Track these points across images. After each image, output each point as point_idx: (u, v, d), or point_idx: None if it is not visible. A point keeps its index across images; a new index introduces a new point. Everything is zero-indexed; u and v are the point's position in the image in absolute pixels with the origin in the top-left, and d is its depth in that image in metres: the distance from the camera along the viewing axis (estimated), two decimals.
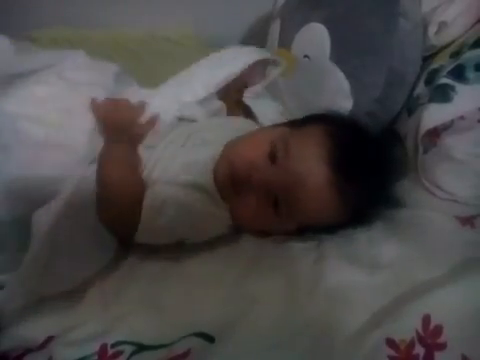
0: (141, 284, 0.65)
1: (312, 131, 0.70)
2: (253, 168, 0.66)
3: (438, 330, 0.53)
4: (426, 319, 0.54)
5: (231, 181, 0.68)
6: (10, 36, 0.88)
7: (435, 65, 0.75)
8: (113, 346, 0.56)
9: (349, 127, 0.72)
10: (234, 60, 0.84)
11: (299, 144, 0.68)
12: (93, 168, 0.69)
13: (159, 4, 1.10)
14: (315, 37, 0.81)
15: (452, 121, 0.67)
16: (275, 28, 0.92)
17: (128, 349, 0.56)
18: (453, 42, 0.75)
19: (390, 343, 0.53)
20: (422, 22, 0.78)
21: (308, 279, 0.63)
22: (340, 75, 0.78)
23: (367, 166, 0.67)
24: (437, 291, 0.57)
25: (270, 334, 0.57)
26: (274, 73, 0.87)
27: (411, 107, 0.76)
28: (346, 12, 0.79)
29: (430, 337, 0.53)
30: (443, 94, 0.67)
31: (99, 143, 0.72)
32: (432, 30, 0.76)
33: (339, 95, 0.79)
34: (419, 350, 0.52)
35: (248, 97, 0.88)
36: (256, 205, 0.67)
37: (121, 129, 0.73)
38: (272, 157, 0.68)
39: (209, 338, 0.56)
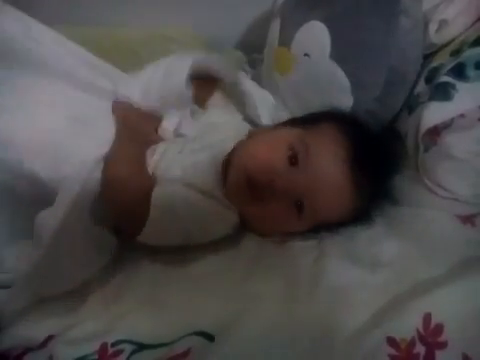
0: (141, 283, 0.65)
1: (326, 130, 0.71)
2: (274, 173, 0.65)
3: (439, 329, 0.53)
4: (427, 318, 0.54)
5: (248, 187, 0.66)
6: None
7: (435, 63, 0.74)
8: (113, 345, 0.56)
9: (357, 124, 0.73)
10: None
11: (317, 144, 0.68)
12: (96, 169, 0.68)
13: (159, 3, 1.10)
14: (315, 35, 0.80)
15: (452, 119, 0.67)
16: (275, 27, 0.92)
17: (128, 348, 0.56)
18: (453, 40, 0.75)
19: (391, 342, 0.53)
20: (423, 20, 0.77)
21: (308, 278, 0.63)
22: (340, 73, 0.78)
23: (378, 162, 0.68)
24: (438, 290, 0.57)
25: (270, 333, 0.57)
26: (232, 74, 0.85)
27: (411, 105, 0.76)
28: (346, 10, 0.78)
29: (431, 336, 0.53)
30: (443, 92, 0.67)
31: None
32: (433, 28, 0.76)
33: (339, 93, 0.78)
34: (420, 349, 0.52)
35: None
36: (279, 211, 0.67)
37: (137, 131, 0.74)
38: (292, 160, 0.67)
39: (209, 337, 0.56)
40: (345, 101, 0.78)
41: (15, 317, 0.60)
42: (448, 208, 0.69)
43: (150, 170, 0.71)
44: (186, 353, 0.54)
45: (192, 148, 0.74)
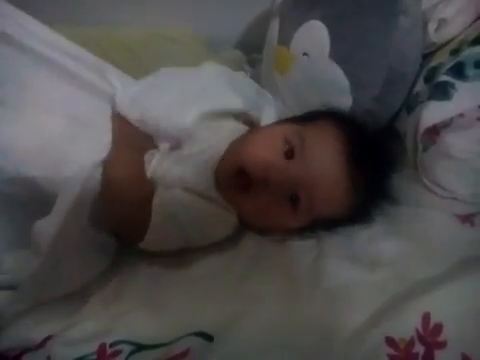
0: (140, 284, 0.65)
1: (324, 126, 0.70)
2: (271, 167, 0.64)
3: (438, 328, 0.53)
4: (426, 317, 0.54)
5: (238, 180, 0.66)
6: None
7: (435, 63, 0.74)
8: (112, 345, 0.56)
9: (355, 122, 0.73)
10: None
11: (314, 138, 0.67)
12: (95, 173, 0.67)
13: (159, 4, 1.10)
14: (314, 35, 0.80)
15: (452, 119, 0.67)
16: (274, 26, 0.92)
17: (127, 348, 0.56)
18: (453, 39, 0.75)
19: (390, 342, 0.53)
20: (422, 19, 0.77)
21: (308, 278, 0.63)
22: (339, 73, 0.78)
23: (374, 158, 0.68)
24: (437, 289, 0.57)
25: (270, 333, 0.57)
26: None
27: (411, 105, 0.76)
28: (346, 9, 0.78)
29: (430, 336, 0.53)
30: (443, 92, 0.67)
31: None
32: (432, 27, 0.76)
33: (338, 93, 0.78)
34: (419, 349, 0.52)
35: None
36: (274, 205, 0.66)
37: (134, 136, 0.73)
38: (288, 154, 0.66)
39: (208, 337, 0.56)
40: (344, 100, 0.78)
41: (13, 318, 0.59)
42: (447, 208, 0.69)
43: (149, 175, 0.71)
44: (185, 353, 0.54)
45: (190, 152, 0.73)
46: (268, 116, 0.82)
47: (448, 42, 0.76)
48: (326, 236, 0.69)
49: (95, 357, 0.55)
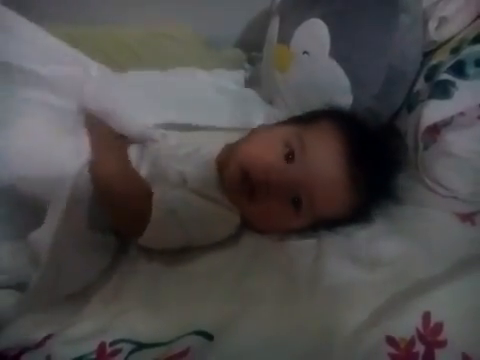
0: (140, 282, 0.65)
1: (324, 127, 0.70)
2: (271, 171, 0.65)
3: (438, 328, 0.53)
4: (426, 317, 0.54)
5: (245, 186, 0.66)
6: None
7: (435, 61, 0.74)
8: (112, 344, 0.56)
9: (356, 122, 0.73)
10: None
11: (314, 140, 0.68)
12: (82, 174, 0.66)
13: (159, 2, 1.09)
14: (315, 33, 0.80)
15: (452, 117, 0.67)
16: (274, 24, 0.92)
17: (127, 347, 0.55)
18: (453, 38, 0.75)
19: (390, 341, 0.53)
20: (422, 17, 0.77)
21: (308, 277, 0.63)
22: (340, 71, 0.77)
23: (376, 158, 0.68)
24: (437, 288, 0.57)
25: (270, 332, 0.56)
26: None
27: (411, 103, 0.76)
28: (346, 8, 0.78)
29: (430, 335, 0.53)
30: (443, 90, 0.66)
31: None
32: (432, 25, 0.76)
33: (339, 91, 0.78)
34: (419, 348, 0.52)
35: None
36: (277, 208, 0.66)
37: (112, 135, 0.73)
38: (288, 157, 0.67)
39: (208, 336, 0.56)
40: (344, 99, 0.78)
41: (13, 318, 0.59)
42: (447, 206, 0.69)
43: (142, 174, 0.71)
44: (185, 352, 0.54)
45: (186, 151, 0.73)
46: (257, 120, 0.83)
47: (448, 40, 0.75)
48: (326, 235, 0.69)
49: (95, 356, 0.55)
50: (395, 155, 0.74)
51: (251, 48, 1.13)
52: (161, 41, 1.13)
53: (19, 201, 0.64)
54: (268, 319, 0.58)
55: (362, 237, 0.68)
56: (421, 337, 0.53)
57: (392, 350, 0.52)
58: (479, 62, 0.65)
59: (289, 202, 0.66)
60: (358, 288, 0.59)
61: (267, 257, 0.67)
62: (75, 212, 0.63)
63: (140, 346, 0.55)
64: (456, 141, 0.67)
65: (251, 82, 0.97)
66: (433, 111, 0.67)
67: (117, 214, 0.67)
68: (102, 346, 0.55)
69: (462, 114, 0.66)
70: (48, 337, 0.57)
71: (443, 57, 0.72)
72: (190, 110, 0.78)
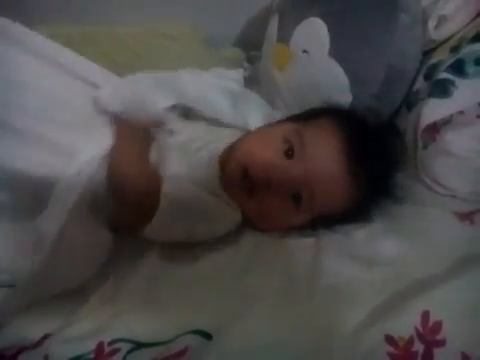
0: (138, 282, 0.65)
1: (323, 123, 0.71)
2: (271, 168, 0.65)
3: (437, 327, 0.53)
4: (425, 316, 0.54)
5: (245, 183, 0.67)
6: None
7: (435, 60, 0.74)
8: (110, 344, 0.55)
9: (355, 119, 0.73)
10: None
11: (313, 137, 0.68)
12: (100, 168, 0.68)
13: (158, 1, 1.09)
14: (314, 32, 0.80)
15: (451, 116, 0.67)
16: (273, 23, 0.92)
17: (125, 347, 0.55)
18: (453, 36, 0.75)
19: (389, 340, 0.52)
20: (422, 16, 0.77)
21: (307, 276, 0.62)
22: (339, 70, 0.77)
23: (375, 154, 0.68)
24: (436, 287, 0.56)
25: (268, 331, 0.56)
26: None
27: (411, 102, 0.76)
28: (346, 7, 0.78)
29: (429, 334, 0.52)
30: (443, 89, 0.66)
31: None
32: (432, 24, 0.76)
33: (338, 90, 0.78)
34: (418, 347, 0.52)
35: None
36: (277, 205, 0.67)
37: (135, 128, 0.74)
38: (288, 153, 0.67)
39: (207, 335, 0.56)
40: (344, 98, 0.78)
41: (11, 317, 0.59)
42: (446, 205, 0.69)
43: (155, 167, 0.72)
44: (183, 352, 0.54)
45: (196, 146, 0.74)
46: (255, 122, 0.83)
47: (448, 39, 0.76)
48: (325, 234, 0.69)
49: (93, 355, 0.54)
50: (394, 152, 0.74)
51: (250, 47, 1.13)
52: (160, 40, 1.13)
53: (24, 187, 0.65)
54: (267, 318, 0.57)
55: (361, 236, 0.68)
56: (420, 336, 0.52)
57: (391, 349, 0.52)
58: (479, 61, 0.65)
59: (289, 198, 0.67)
60: (357, 287, 0.59)
61: (266, 256, 0.67)
62: (85, 203, 0.64)
63: (138, 345, 0.55)
64: (455, 140, 0.67)
65: (250, 81, 0.97)
66: (432, 110, 0.67)
67: (126, 201, 0.66)
68: (100, 346, 0.55)
69: (461, 113, 0.66)
70: (46, 337, 0.57)
71: (443, 56, 0.72)
72: (197, 100, 0.79)
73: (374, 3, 0.77)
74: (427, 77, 0.74)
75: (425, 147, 0.70)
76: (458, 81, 0.66)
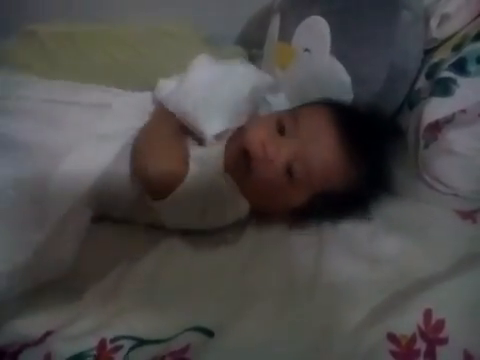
0: (140, 279, 0.65)
1: (316, 108, 0.74)
2: (265, 142, 0.68)
3: (440, 325, 0.53)
4: (427, 314, 0.54)
5: (243, 161, 0.69)
6: (10, 30, 0.88)
7: (436, 59, 0.74)
8: (112, 341, 0.56)
9: (348, 106, 0.76)
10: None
11: (306, 116, 0.72)
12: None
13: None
14: (316, 31, 0.80)
15: (453, 115, 0.67)
16: (275, 22, 0.91)
17: (127, 344, 0.55)
18: (455, 35, 0.74)
19: (391, 338, 0.52)
20: (424, 15, 0.77)
21: (308, 274, 0.63)
22: (341, 69, 0.77)
23: (368, 133, 0.70)
24: (439, 286, 0.56)
25: (270, 329, 0.56)
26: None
27: (412, 101, 0.76)
28: (347, 5, 0.78)
29: (432, 332, 0.52)
30: (445, 88, 0.66)
31: None
32: (434, 23, 0.76)
33: (339, 89, 0.78)
34: (421, 345, 0.52)
35: None
36: (272, 179, 0.68)
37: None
38: (281, 130, 0.71)
39: (208, 333, 0.56)
40: (345, 96, 0.78)
41: (12, 310, 0.59)
42: (448, 204, 0.69)
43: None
44: (185, 349, 0.54)
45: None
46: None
47: (450, 38, 0.75)
48: (327, 233, 0.69)
49: (95, 352, 0.54)
50: (386, 131, 0.75)
51: (252, 46, 1.13)
52: (162, 39, 1.13)
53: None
54: (269, 316, 0.57)
55: (363, 234, 0.68)
56: (422, 334, 0.52)
57: (393, 347, 0.52)
58: None
59: (284, 172, 0.68)
60: (359, 285, 0.59)
61: (268, 254, 0.67)
62: (93, 191, 0.67)
63: (141, 342, 0.55)
64: (457, 139, 0.67)
65: None
66: (434, 108, 0.67)
67: (152, 172, 0.69)
68: (102, 342, 0.55)
69: (464, 112, 0.66)
70: (48, 334, 0.57)
71: (445, 55, 0.72)
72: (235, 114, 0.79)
73: (376, 1, 0.77)
74: (429, 76, 0.74)
75: (427, 146, 0.69)
76: (460, 80, 0.65)
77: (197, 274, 0.65)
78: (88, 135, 0.72)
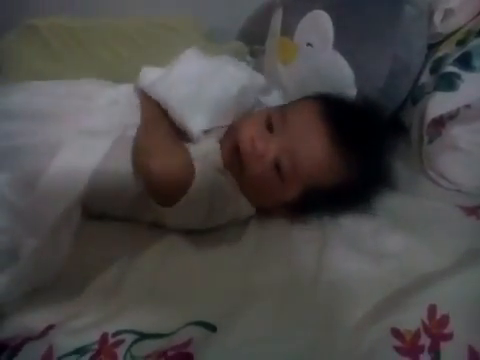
0: (142, 273, 0.64)
1: (305, 102, 0.75)
2: (253, 137, 0.69)
3: (444, 320, 0.52)
4: (432, 309, 0.53)
5: (236, 158, 0.70)
6: (8, 24, 0.88)
7: (440, 53, 0.74)
8: (114, 335, 0.55)
9: (339, 98, 0.75)
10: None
11: (294, 111, 0.73)
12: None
13: None
14: (318, 25, 0.80)
15: (458, 110, 0.66)
16: (277, 17, 0.91)
17: (129, 338, 0.55)
18: (459, 30, 0.74)
19: (395, 333, 0.52)
20: (428, 9, 0.77)
21: (311, 269, 0.62)
22: (344, 64, 0.77)
23: (359, 128, 0.69)
24: (443, 281, 0.56)
25: (273, 324, 0.56)
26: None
27: (416, 96, 0.76)
28: None
29: (436, 327, 0.52)
30: (449, 82, 0.66)
31: None
32: (438, 17, 0.75)
33: (342, 84, 0.78)
34: (425, 340, 0.51)
35: None
36: (262, 174, 0.69)
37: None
38: (269, 127, 0.71)
39: (211, 327, 0.56)
40: (348, 91, 0.78)
41: (15, 305, 0.59)
42: (452, 200, 0.69)
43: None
44: (187, 343, 0.53)
45: (217, 134, 0.77)
46: None
47: (454, 32, 0.75)
48: (330, 228, 0.69)
49: (97, 346, 0.54)
50: (381, 124, 0.74)
51: (253, 41, 1.13)
52: (163, 33, 1.13)
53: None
54: (272, 311, 0.57)
55: (366, 230, 0.67)
56: (427, 330, 0.52)
57: (397, 343, 0.51)
58: None
59: (272, 166, 0.69)
60: (363, 281, 0.59)
61: (271, 249, 0.67)
62: (87, 192, 0.66)
63: (143, 336, 0.55)
64: (461, 134, 0.67)
65: None
66: (438, 103, 0.67)
67: (159, 179, 0.67)
68: (104, 336, 0.55)
69: (468, 107, 0.66)
70: (50, 327, 0.56)
71: (449, 49, 0.72)
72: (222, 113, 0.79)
73: None
74: (433, 71, 0.74)
75: (431, 141, 0.69)
76: (464, 75, 0.65)
77: (199, 269, 0.65)
78: (75, 131, 0.70)
